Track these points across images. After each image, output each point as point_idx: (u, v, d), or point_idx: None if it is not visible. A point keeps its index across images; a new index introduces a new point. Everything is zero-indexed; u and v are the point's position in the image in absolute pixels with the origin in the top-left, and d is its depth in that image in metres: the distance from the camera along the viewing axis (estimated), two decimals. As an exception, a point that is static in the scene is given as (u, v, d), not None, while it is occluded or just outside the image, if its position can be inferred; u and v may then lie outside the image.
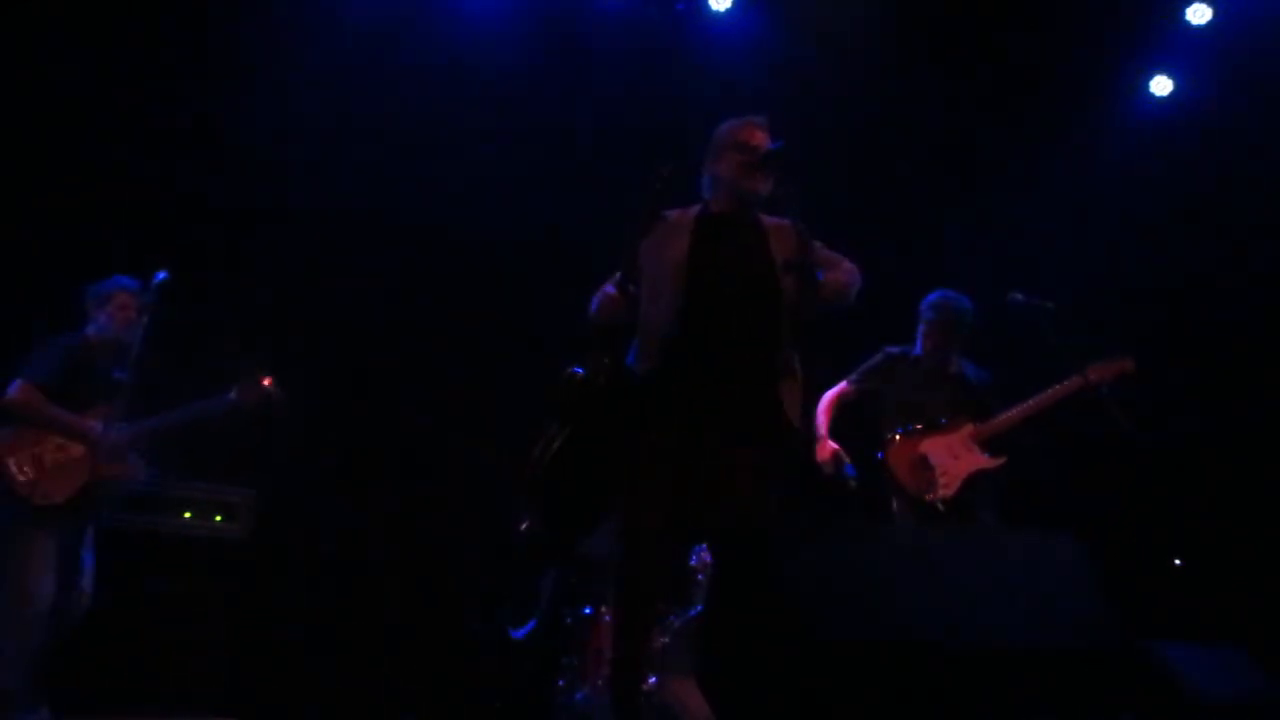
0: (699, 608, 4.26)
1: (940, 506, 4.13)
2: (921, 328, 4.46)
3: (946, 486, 4.15)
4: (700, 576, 4.50)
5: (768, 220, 3.25)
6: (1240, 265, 6.20)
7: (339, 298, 5.97)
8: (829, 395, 4.49)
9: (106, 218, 5.36)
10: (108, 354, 4.15)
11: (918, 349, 4.48)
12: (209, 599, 4.59)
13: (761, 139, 3.22)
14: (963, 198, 6.62)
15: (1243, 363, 6.06)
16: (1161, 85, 6.50)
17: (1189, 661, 4.02)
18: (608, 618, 4.84)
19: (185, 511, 4.60)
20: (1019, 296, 4.27)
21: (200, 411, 4.22)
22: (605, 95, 6.03)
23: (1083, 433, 4.13)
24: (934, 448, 4.25)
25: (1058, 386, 4.20)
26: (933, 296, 4.46)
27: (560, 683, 4.76)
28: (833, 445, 4.26)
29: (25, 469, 3.88)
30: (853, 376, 4.52)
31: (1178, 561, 6.39)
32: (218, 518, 4.70)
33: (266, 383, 4.26)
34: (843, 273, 3.18)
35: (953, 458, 4.21)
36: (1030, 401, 4.25)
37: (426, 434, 6.07)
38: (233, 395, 4.23)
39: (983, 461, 4.21)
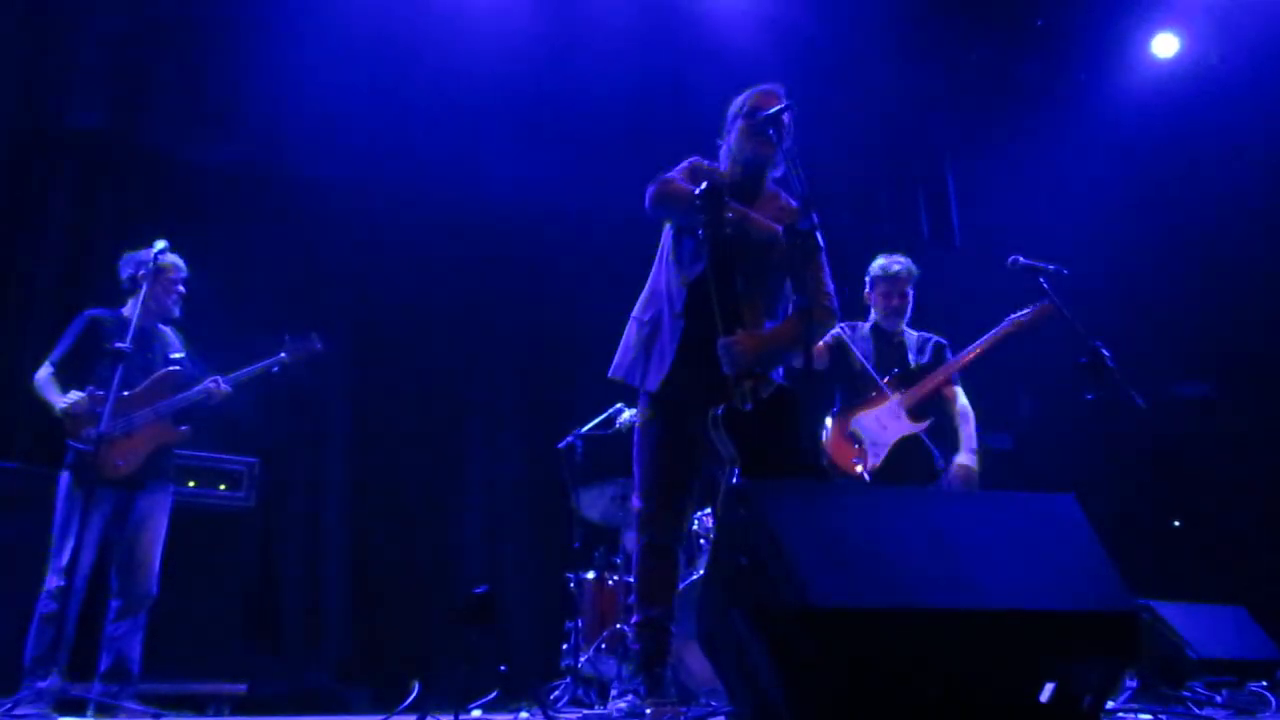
0: (700, 571, 4.28)
1: (867, 479, 4.09)
2: (872, 295, 4.38)
3: (875, 457, 4.13)
4: (704, 541, 4.52)
5: (779, 196, 3.25)
6: (1237, 234, 6.17)
7: (340, 266, 5.95)
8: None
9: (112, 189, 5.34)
10: (148, 324, 4.12)
11: (869, 319, 4.42)
12: (219, 566, 4.62)
13: (769, 104, 3.18)
14: (966, 163, 6.58)
15: (1247, 326, 6.05)
16: (1166, 45, 6.40)
17: (1190, 621, 4.07)
18: (611, 581, 4.87)
19: (190, 480, 4.61)
20: (1021, 259, 4.24)
21: (260, 370, 4.27)
22: (612, 68, 5.96)
23: (1082, 398, 4.09)
24: (863, 420, 4.21)
25: (977, 344, 4.20)
26: (882, 259, 4.38)
27: (565, 645, 4.80)
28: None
29: (92, 437, 3.74)
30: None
31: (1176, 524, 6.43)
32: (222, 485, 4.71)
33: (316, 341, 4.38)
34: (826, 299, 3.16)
35: (880, 428, 4.18)
36: (951, 361, 4.26)
37: (430, 402, 6.08)
38: (285, 355, 4.30)
39: (908, 428, 4.17)
